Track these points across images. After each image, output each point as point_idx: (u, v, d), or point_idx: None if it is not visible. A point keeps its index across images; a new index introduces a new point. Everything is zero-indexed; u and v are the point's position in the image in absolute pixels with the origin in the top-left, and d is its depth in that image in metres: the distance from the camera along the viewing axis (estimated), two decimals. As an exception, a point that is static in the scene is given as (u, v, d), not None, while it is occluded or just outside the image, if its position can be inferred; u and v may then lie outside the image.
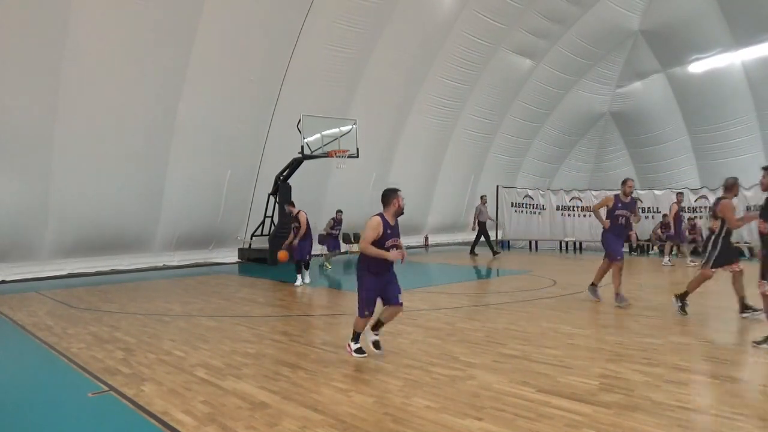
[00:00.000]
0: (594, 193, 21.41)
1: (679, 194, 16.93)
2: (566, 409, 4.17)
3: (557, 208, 21.73)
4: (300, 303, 9.94)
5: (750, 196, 17.65)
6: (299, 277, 11.58)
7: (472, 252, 19.21)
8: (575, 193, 21.67)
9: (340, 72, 16.73)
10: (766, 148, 20.38)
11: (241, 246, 17.21)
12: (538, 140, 24.40)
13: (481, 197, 19.41)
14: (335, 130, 15.93)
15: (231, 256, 17.20)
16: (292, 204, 12.09)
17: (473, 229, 19.80)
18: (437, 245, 23.08)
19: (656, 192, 20.42)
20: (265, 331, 7.18)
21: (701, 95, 21.44)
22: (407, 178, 20.12)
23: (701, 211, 18.50)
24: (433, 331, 7.00)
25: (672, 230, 16.30)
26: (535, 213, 22.23)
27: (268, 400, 4.48)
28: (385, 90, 18.15)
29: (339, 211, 15.52)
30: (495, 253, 18.59)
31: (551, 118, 23.92)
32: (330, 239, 15.36)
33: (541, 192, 22.57)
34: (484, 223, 18.91)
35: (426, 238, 22.71)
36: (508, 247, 22.42)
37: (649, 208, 20.12)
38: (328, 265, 15.06)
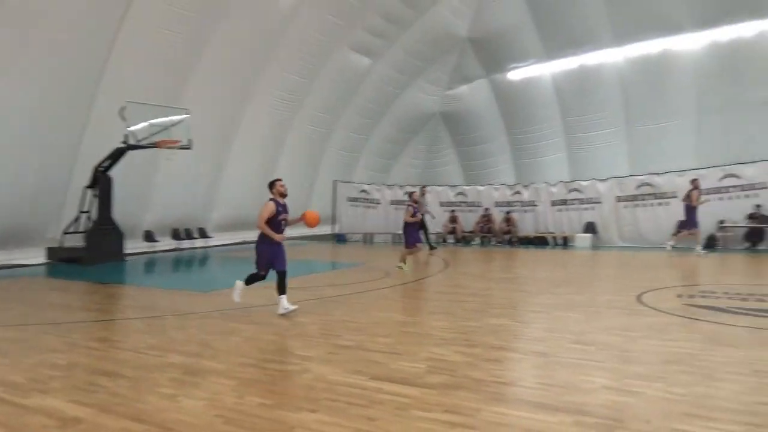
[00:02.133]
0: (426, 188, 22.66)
1: None
2: (396, 393, 4.35)
3: (391, 203, 22.68)
4: (121, 305, 9.16)
5: (554, 191, 19.97)
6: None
7: (431, 248, 18.24)
8: (408, 188, 22.76)
9: (173, 58, 15.66)
10: (568, 150, 23.16)
11: (52, 245, 15.30)
12: (374, 137, 25.18)
13: (421, 187, 19.67)
14: (165, 119, 14.90)
15: (38, 257, 15.17)
16: None
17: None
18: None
19: (479, 187, 22.22)
20: (78, 339, 6.47)
21: (518, 100, 23.77)
22: (245, 172, 19.54)
23: (516, 205, 20.53)
24: (268, 327, 6.88)
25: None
26: (370, 207, 22.96)
27: (82, 414, 4.04)
28: (221, 80, 17.37)
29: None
30: (432, 248, 17.95)
31: (387, 115, 24.83)
32: None
33: (376, 187, 23.37)
34: (422, 216, 18.99)
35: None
36: (344, 240, 22.88)
37: (472, 202, 21.81)
38: None
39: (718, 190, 17.03)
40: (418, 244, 13.05)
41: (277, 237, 7.47)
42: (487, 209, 20.89)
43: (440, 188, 22.51)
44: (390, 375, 4.84)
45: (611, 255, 16.36)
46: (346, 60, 20.99)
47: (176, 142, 14.76)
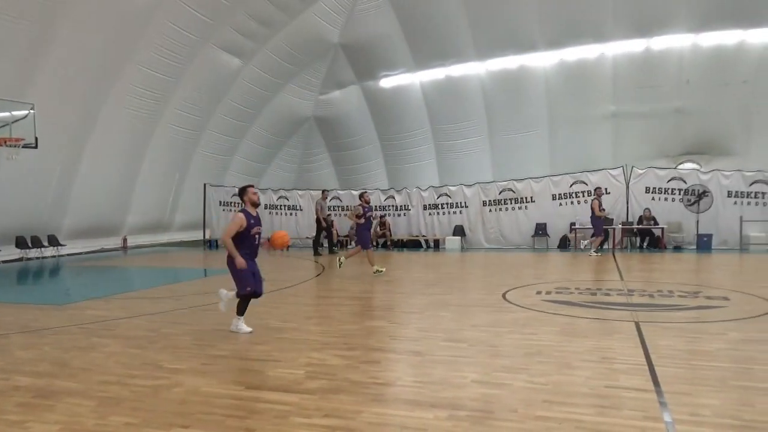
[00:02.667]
0: (299, 192, 22.51)
1: None
2: (275, 401, 4.25)
3: (265, 207, 22.20)
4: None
5: (426, 196, 20.77)
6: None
7: (331, 251, 18.78)
8: (282, 192, 22.46)
9: (15, 47, 14.04)
10: (437, 156, 24.26)
11: None
12: (246, 139, 24.48)
13: (323, 192, 19.31)
14: (6, 114, 13.32)
15: None
16: None
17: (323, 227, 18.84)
18: (139, 247, 21.30)
19: (353, 192, 22.48)
20: None
21: (389, 107, 24.44)
22: (102, 174, 18.06)
23: (389, 209, 21.05)
24: (133, 341, 6.40)
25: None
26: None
27: None
28: (74, 74, 15.86)
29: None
30: (333, 251, 18.28)
31: (260, 118, 24.27)
32: None
33: (250, 191, 22.75)
34: (326, 219, 18.70)
35: (124, 240, 20.72)
36: (216, 246, 21.99)
37: (347, 206, 22.00)
38: None
39: (569, 195, 18.75)
40: (370, 248, 12.81)
41: (238, 260, 6.34)
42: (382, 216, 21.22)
43: (315, 193, 22.45)
44: (268, 383, 4.72)
45: (478, 256, 17.34)
46: (215, 59, 20.18)
47: (20, 140, 13.27)
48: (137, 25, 16.61)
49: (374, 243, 18.65)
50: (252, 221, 6.53)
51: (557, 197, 18.89)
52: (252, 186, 6.85)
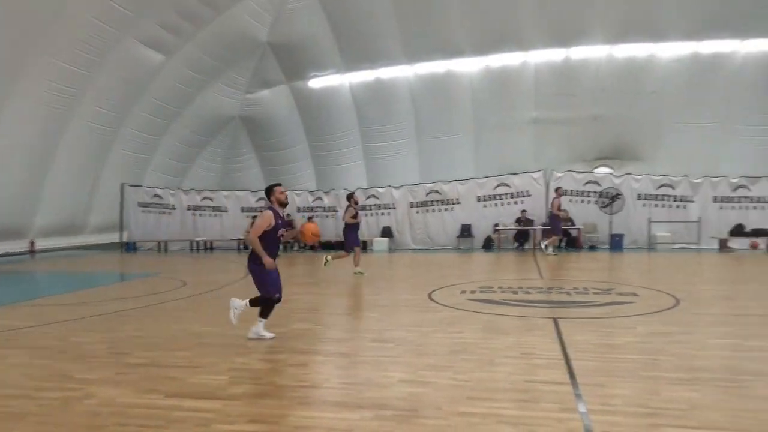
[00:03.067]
0: (225, 193, 21.95)
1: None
2: (197, 409, 4.10)
3: (188, 208, 21.48)
4: None
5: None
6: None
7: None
8: (207, 193, 21.80)
9: None
10: (366, 158, 24.35)
11: None
12: (168, 138, 23.54)
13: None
14: None
15: None
16: None
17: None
18: (50, 250, 20.01)
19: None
20: None
21: (318, 108, 24.27)
22: (7, 172, 16.83)
23: (318, 210, 20.90)
24: (40, 351, 5.98)
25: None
26: (165, 213, 21.47)
27: None
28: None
29: None
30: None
31: (183, 116, 23.42)
32: None
33: (171, 191, 21.93)
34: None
35: (32, 243, 19.38)
36: (134, 249, 21.04)
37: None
38: None
39: (493, 197, 19.33)
40: (356, 248, 12.49)
41: (267, 260, 6.07)
42: (288, 215, 20.90)
43: (241, 194, 21.94)
44: (189, 390, 4.55)
45: (406, 257, 17.54)
46: (135, 53, 19.25)
47: None
48: (49, 15, 15.58)
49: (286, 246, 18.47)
50: (279, 221, 6.30)
51: (482, 199, 19.43)
52: (279, 185, 6.60)
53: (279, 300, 6.37)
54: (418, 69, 22.30)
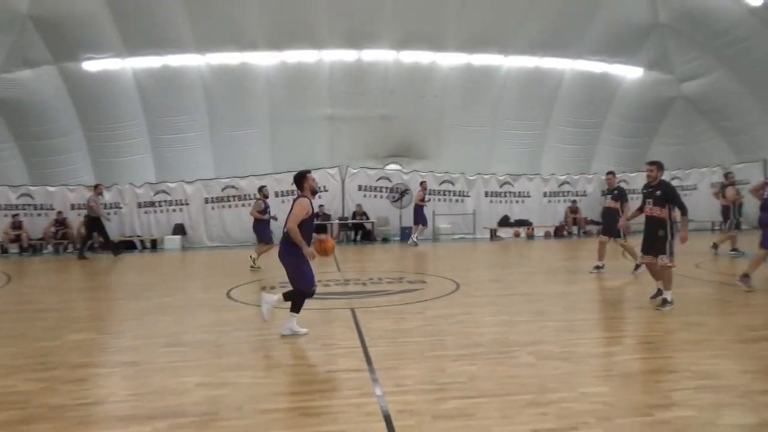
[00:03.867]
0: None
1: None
2: (-60, 448, 3.41)
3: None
4: None
5: (141, 193, 19.13)
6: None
7: (82, 256, 15.38)
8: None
9: None
10: (153, 151, 22.51)
11: None
12: None
13: (95, 187, 16.27)
14: None
15: None
16: None
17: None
18: None
19: (50, 188, 19.55)
20: None
21: (96, 94, 21.70)
22: None
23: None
24: None
25: None
26: None
27: None
28: None
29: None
30: (117, 253, 16.07)
31: None
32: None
33: None
34: (97, 219, 15.48)
35: None
36: None
37: (41, 205, 19.05)
38: None
39: (291, 192, 19.32)
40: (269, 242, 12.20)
41: (307, 249, 5.81)
42: (60, 213, 18.48)
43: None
44: (-71, 426, 3.76)
45: (201, 255, 16.70)
46: None
47: None
48: None
49: (78, 246, 16.45)
50: (313, 210, 6.01)
51: (280, 194, 19.38)
52: (310, 172, 6.31)
53: (314, 293, 6.19)
54: (210, 59, 21.29)
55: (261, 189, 13.09)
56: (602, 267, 10.57)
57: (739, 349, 5.39)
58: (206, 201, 19.09)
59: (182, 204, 19.08)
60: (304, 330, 6.12)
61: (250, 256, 12.20)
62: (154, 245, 18.74)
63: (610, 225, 10.61)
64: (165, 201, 19.07)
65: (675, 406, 3.94)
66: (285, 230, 5.91)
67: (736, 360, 5.02)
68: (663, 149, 24.26)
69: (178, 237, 18.64)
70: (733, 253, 12.64)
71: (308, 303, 8.01)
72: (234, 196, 19.22)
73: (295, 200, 6.13)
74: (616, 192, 10.82)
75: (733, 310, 7.13)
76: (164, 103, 21.65)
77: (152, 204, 19.08)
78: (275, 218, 12.58)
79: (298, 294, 6.07)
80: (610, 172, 11.62)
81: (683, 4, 20.40)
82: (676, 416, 3.76)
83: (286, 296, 6.12)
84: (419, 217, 18.09)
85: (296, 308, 6.10)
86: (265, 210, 12.50)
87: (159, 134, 22.07)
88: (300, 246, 5.83)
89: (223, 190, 19.20)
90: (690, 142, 24.77)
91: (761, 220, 8.50)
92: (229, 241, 19.02)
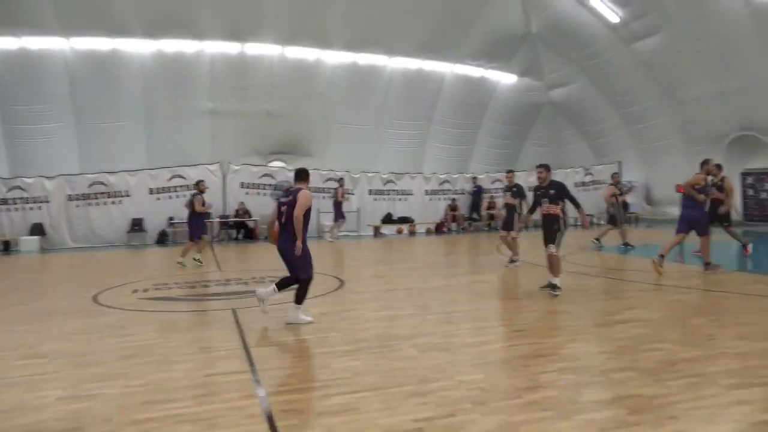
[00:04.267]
0: None
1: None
2: None
3: None
4: None
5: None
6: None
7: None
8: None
9: None
10: (7, 143, 20.17)
11: None
12: None
13: None
14: None
15: None
16: None
17: None
18: None
19: None
20: None
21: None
22: None
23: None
24: None
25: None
26: None
27: None
28: None
29: None
30: None
31: None
32: None
33: None
34: None
35: None
36: None
37: None
38: None
39: (167, 190, 18.35)
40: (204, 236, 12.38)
41: (300, 244, 6.20)
42: None
43: None
44: None
45: (63, 257, 15.30)
46: None
47: None
48: None
49: None
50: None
51: (155, 191, 18.29)
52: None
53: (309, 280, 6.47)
54: (76, 43, 19.56)
55: (198, 183, 13.01)
56: (517, 261, 11.00)
57: (598, 332, 5.93)
58: (69, 198, 17.52)
59: (41, 201, 17.35)
60: (309, 318, 6.40)
61: (194, 258, 12.10)
62: (7, 247, 16.85)
63: (508, 220, 11.25)
64: (20, 198, 17.25)
65: (542, 387, 4.24)
66: (283, 221, 6.30)
67: (595, 342, 5.51)
68: (533, 151, 26.16)
69: (36, 238, 16.93)
70: (625, 247, 13.84)
71: (185, 306, 7.65)
72: (102, 193, 17.82)
73: (295, 192, 6.39)
74: (514, 189, 11.42)
75: (592, 297, 7.83)
76: (21, 90, 19.58)
77: (5, 201, 17.17)
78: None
79: (304, 282, 6.40)
80: (510, 170, 12.41)
81: (552, 16, 22.07)
82: (543, 397, 4.05)
83: (279, 286, 6.46)
84: (339, 214, 18.32)
85: (301, 298, 6.38)
86: (204, 203, 12.48)
87: (13, 124, 19.94)
88: (299, 235, 6.20)
89: (90, 186, 17.72)
90: (557, 145, 26.91)
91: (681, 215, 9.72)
92: (96, 241, 17.60)
